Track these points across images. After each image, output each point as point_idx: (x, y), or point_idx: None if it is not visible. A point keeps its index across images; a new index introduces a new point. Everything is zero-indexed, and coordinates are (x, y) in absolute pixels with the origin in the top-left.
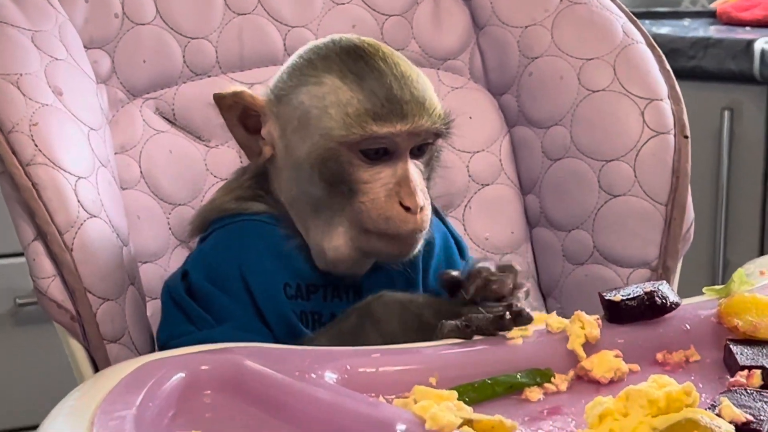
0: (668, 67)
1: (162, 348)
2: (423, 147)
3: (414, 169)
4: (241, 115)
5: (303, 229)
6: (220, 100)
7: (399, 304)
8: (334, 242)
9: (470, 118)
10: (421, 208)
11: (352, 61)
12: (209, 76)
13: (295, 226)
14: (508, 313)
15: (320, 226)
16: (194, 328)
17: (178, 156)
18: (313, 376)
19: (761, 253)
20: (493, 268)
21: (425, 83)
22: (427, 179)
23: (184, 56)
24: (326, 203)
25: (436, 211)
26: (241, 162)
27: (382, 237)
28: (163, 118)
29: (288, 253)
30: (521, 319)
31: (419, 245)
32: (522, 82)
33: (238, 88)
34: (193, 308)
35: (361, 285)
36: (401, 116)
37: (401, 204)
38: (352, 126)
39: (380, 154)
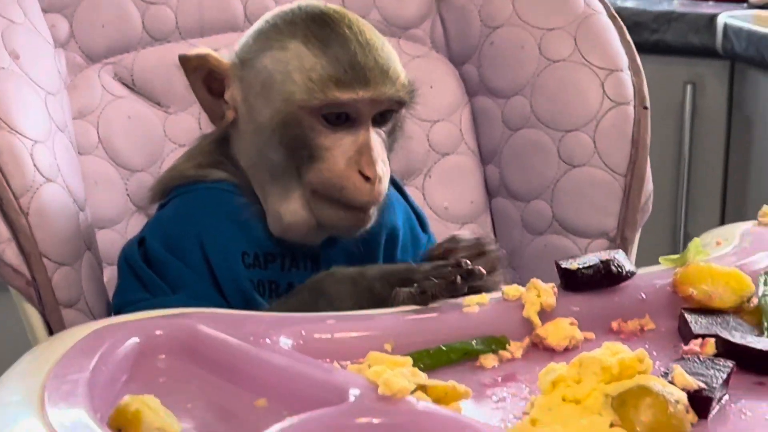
0: (629, 38)
1: (117, 314)
2: (386, 115)
3: (376, 137)
4: (205, 78)
5: (261, 195)
6: (185, 61)
7: (350, 281)
8: (290, 208)
9: (431, 87)
10: (380, 179)
11: (317, 26)
12: (169, 42)
13: (254, 194)
14: (459, 276)
15: (278, 192)
16: (149, 296)
17: (136, 122)
18: (268, 341)
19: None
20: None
21: (390, 51)
22: (389, 149)
23: (143, 21)
24: (285, 169)
25: (395, 184)
26: (201, 129)
27: (337, 206)
28: (122, 83)
29: (247, 222)
30: (473, 276)
31: (373, 219)
32: (483, 52)
33: (203, 50)
34: (149, 276)
35: (319, 256)
36: (364, 83)
37: (360, 173)
38: (314, 91)
39: (342, 120)
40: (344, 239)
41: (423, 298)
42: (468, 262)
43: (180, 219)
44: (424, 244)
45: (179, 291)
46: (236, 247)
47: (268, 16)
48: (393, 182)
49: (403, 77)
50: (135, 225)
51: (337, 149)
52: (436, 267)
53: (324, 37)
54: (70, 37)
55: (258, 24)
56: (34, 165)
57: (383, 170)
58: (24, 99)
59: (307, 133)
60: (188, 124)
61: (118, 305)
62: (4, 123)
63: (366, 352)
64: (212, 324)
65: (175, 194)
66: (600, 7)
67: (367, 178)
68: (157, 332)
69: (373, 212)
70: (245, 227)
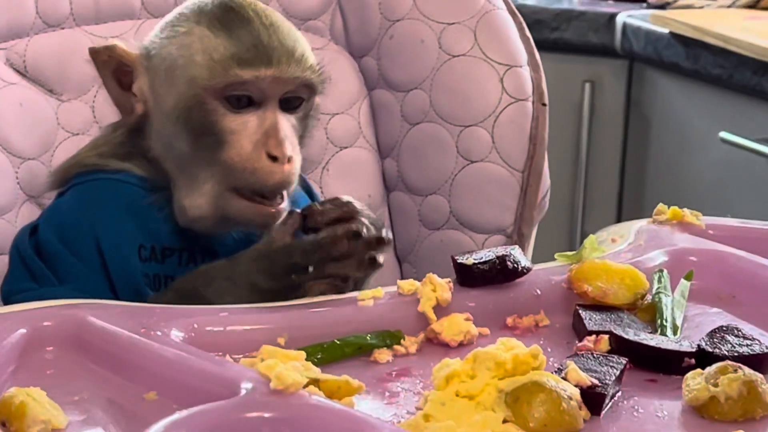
0: (528, 34)
1: (4, 302)
2: (295, 101)
3: (284, 121)
4: (115, 71)
5: (173, 184)
6: (94, 54)
7: (226, 279)
8: (196, 203)
9: (329, 79)
10: (289, 159)
11: (222, 12)
12: (63, 28)
13: (160, 186)
14: (369, 255)
15: (186, 185)
16: (36, 286)
17: (28, 109)
18: (159, 333)
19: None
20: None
21: (297, 36)
22: (301, 137)
23: (36, 6)
24: (193, 158)
25: (303, 181)
26: (95, 117)
27: (247, 198)
28: (14, 69)
29: (146, 214)
30: (383, 242)
31: (285, 212)
32: (383, 45)
33: (112, 42)
34: (37, 265)
35: (217, 250)
36: (267, 61)
37: (268, 155)
38: (215, 71)
39: (246, 103)
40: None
41: (344, 286)
42: (367, 227)
43: (76, 209)
44: None
45: (66, 283)
46: (132, 239)
47: (178, 7)
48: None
49: (312, 61)
50: (25, 214)
51: (243, 132)
52: (318, 243)
53: (228, 21)
54: None
55: (168, 15)
56: None
57: (293, 151)
58: None
59: (212, 118)
60: (82, 112)
61: (5, 294)
62: None
63: (259, 345)
64: (102, 315)
65: (74, 183)
66: (500, 2)
67: (275, 159)
68: (46, 323)
69: (285, 204)
70: (144, 220)
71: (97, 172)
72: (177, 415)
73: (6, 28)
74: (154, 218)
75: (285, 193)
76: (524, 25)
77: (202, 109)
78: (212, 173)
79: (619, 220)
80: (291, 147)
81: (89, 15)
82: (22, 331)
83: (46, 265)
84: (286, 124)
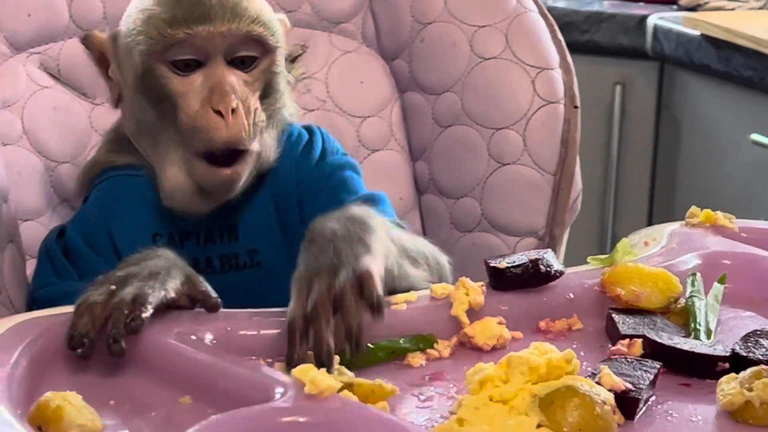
0: (560, 36)
1: (31, 298)
2: (247, 59)
3: (232, 76)
4: (99, 58)
5: (152, 164)
6: (85, 44)
7: None
8: (169, 172)
9: (361, 82)
10: (234, 112)
11: None
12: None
13: (151, 173)
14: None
15: (159, 156)
16: (58, 280)
17: (62, 113)
18: (193, 338)
19: (649, 225)
20: None
21: None
22: (265, 95)
23: (70, 11)
24: (160, 126)
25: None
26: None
27: (207, 165)
28: (48, 73)
29: (158, 203)
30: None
31: (244, 174)
32: (414, 48)
33: (89, 32)
34: (61, 261)
35: (237, 226)
36: (199, 18)
37: (214, 111)
38: (153, 36)
39: (192, 65)
40: (262, 206)
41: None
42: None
43: (91, 209)
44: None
45: (87, 278)
46: (145, 230)
47: None
48: (308, 129)
49: (254, 15)
50: (59, 217)
51: (190, 92)
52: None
53: None
54: None
55: None
56: None
57: (238, 103)
58: None
59: (161, 82)
60: (114, 115)
61: (32, 289)
62: None
63: None
64: None
65: (95, 184)
66: (532, 5)
67: (220, 114)
68: None
69: (245, 165)
70: (157, 209)
71: (110, 169)
72: (212, 419)
73: (40, 32)
74: (166, 206)
75: (245, 152)
76: (556, 27)
77: (152, 76)
78: (174, 140)
79: (649, 222)
80: (237, 100)
81: (122, 17)
82: (57, 335)
83: (71, 263)
84: (234, 79)
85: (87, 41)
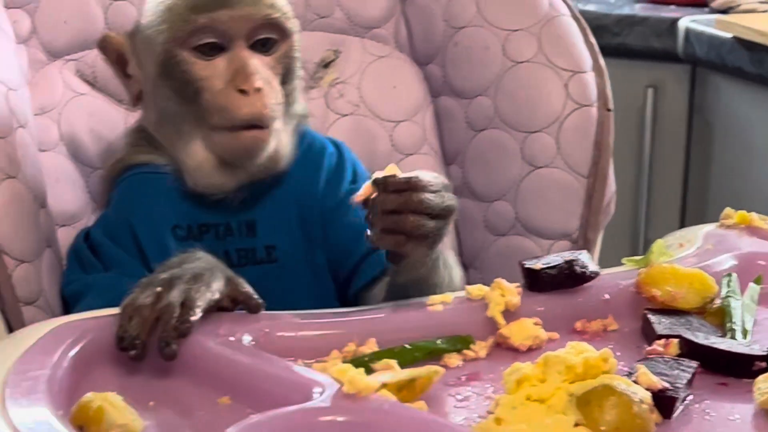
0: (592, 40)
1: (61, 298)
2: (267, 42)
3: (254, 59)
4: (117, 61)
5: (174, 153)
6: (100, 49)
7: None
8: (191, 152)
9: (394, 87)
10: (259, 90)
11: None
12: None
13: (173, 165)
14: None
15: (181, 143)
16: (85, 275)
17: (98, 119)
18: (231, 339)
19: (682, 228)
20: None
21: None
22: (285, 75)
23: (106, 17)
24: (182, 113)
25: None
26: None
27: (229, 132)
28: (84, 80)
29: (177, 197)
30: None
31: (269, 143)
32: (447, 53)
33: (105, 33)
34: (87, 256)
35: (254, 220)
36: (221, 3)
37: (238, 90)
38: (176, 23)
39: (215, 49)
40: (280, 199)
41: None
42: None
43: (114, 207)
44: (345, 191)
45: (111, 270)
46: (165, 222)
47: None
48: (336, 145)
49: (273, 1)
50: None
51: (215, 76)
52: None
53: None
54: (32, 34)
55: None
56: None
57: (263, 83)
58: None
59: (184, 68)
60: None
61: (62, 285)
62: None
63: (329, 350)
64: None
65: (117, 185)
66: (564, 8)
67: (245, 92)
68: None
69: (268, 134)
70: (176, 202)
71: (131, 167)
72: (252, 419)
73: (76, 39)
74: (187, 199)
75: (268, 126)
76: (588, 30)
77: (175, 63)
78: (197, 122)
79: (682, 224)
80: (261, 80)
81: None
82: (96, 337)
83: (96, 258)
84: (257, 62)
85: (103, 44)
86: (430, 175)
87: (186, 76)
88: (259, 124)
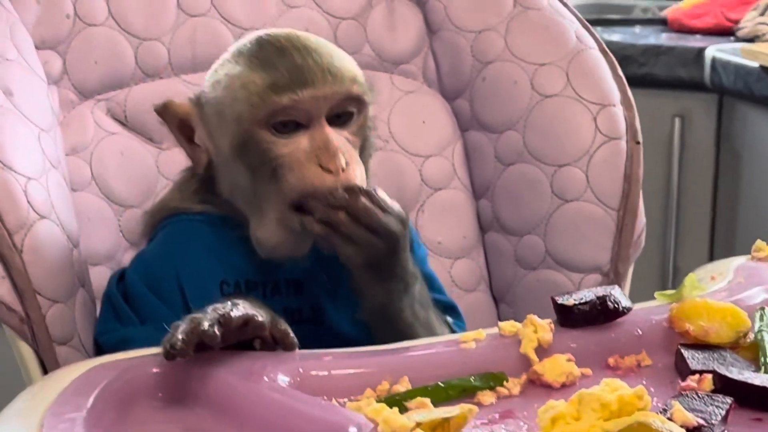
0: (621, 73)
1: (95, 343)
2: (344, 117)
3: (336, 135)
4: (179, 125)
5: (248, 221)
6: (160, 112)
7: None
8: (268, 228)
9: (423, 122)
10: (343, 169)
11: (258, 47)
12: (161, 78)
13: (237, 223)
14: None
15: (256, 218)
16: (120, 326)
17: (129, 158)
18: (266, 378)
19: (711, 259)
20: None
21: (333, 52)
22: (362, 147)
23: (136, 57)
24: (259, 189)
25: None
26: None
27: (309, 207)
28: (115, 119)
29: (227, 251)
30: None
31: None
32: (475, 87)
33: (169, 99)
34: (122, 306)
35: (301, 281)
36: (303, 83)
37: (323, 168)
38: (256, 103)
39: (294, 127)
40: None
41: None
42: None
43: (159, 251)
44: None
45: (149, 323)
46: (213, 276)
47: (224, 53)
48: None
49: (352, 74)
50: (128, 261)
51: (296, 153)
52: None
53: (262, 54)
54: (63, 74)
55: (214, 64)
56: (28, 202)
57: (347, 160)
58: (17, 136)
59: (264, 147)
60: (181, 160)
61: (95, 334)
62: None
63: (363, 389)
64: (208, 362)
65: (160, 227)
66: (592, 42)
67: (330, 171)
68: (153, 370)
69: None
70: (225, 256)
71: (179, 214)
72: None
73: (107, 79)
74: (236, 254)
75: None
76: (616, 64)
77: (253, 142)
78: (276, 199)
79: (711, 254)
80: (345, 158)
81: (186, 64)
82: (130, 378)
83: (130, 307)
84: (338, 137)
85: (164, 110)
86: (390, 200)
87: (265, 154)
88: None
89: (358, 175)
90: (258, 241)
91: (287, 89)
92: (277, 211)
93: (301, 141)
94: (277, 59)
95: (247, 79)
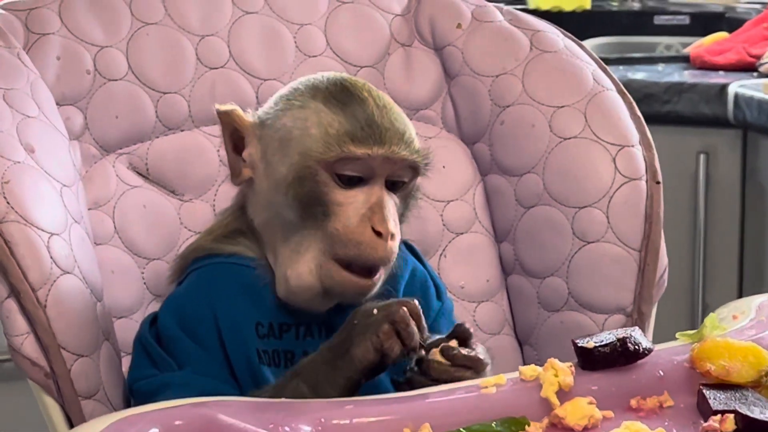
0: (638, 113)
1: (130, 390)
2: (399, 183)
3: (389, 199)
4: (231, 134)
5: (273, 257)
6: (219, 115)
7: (328, 367)
8: (298, 271)
9: (443, 167)
10: (392, 236)
11: (338, 89)
12: (182, 131)
13: (265, 264)
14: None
15: (289, 252)
16: (157, 372)
17: (152, 210)
18: (288, 429)
19: (740, 295)
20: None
21: (406, 120)
22: (401, 215)
23: (156, 111)
24: (299, 226)
25: (412, 250)
26: (215, 215)
27: (347, 269)
28: (137, 173)
29: (261, 293)
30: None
31: (378, 285)
32: (494, 131)
33: (231, 106)
34: (157, 352)
35: (333, 323)
36: (379, 141)
37: (373, 229)
38: (330, 145)
39: (356, 181)
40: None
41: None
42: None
43: (193, 293)
44: (435, 311)
45: (185, 367)
46: (249, 318)
47: (292, 83)
48: (410, 249)
49: (417, 143)
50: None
51: (351, 205)
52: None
53: (343, 98)
54: (84, 129)
55: (282, 89)
56: (51, 257)
57: (395, 229)
58: (40, 192)
59: (322, 189)
60: (204, 211)
61: (130, 382)
62: (21, 216)
63: None
64: (232, 412)
65: (191, 269)
66: (609, 83)
67: (379, 234)
68: (177, 422)
69: (380, 278)
70: (259, 298)
71: (212, 256)
72: None
73: (128, 133)
74: (268, 296)
75: (383, 269)
76: (634, 104)
77: (313, 180)
78: (317, 243)
79: (740, 290)
80: (394, 224)
81: (207, 116)
82: (155, 430)
83: (165, 351)
84: (391, 203)
85: (224, 115)
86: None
87: (321, 197)
88: (382, 266)
89: (397, 245)
90: (284, 278)
91: (364, 143)
92: (316, 256)
93: (359, 195)
94: (358, 109)
95: (326, 119)
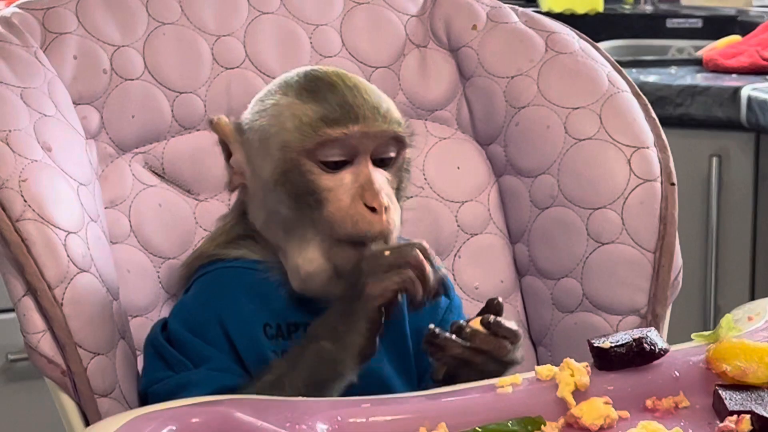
0: (654, 115)
1: (144, 395)
2: (387, 160)
3: (378, 174)
4: (221, 143)
5: (282, 254)
6: (210, 126)
7: (345, 316)
8: (307, 257)
9: (458, 168)
10: (386, 208)
11: (307, 81)
12: (198, 130)
13: (273, 264)
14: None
15: (294, 246)
16: (172, 373)
17: (167, 210)
18: (304, 427)
19: (752, 298)
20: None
21: (380, 94)
22: (398, 189)
23: (172, 110)
24: (296, 220)
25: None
26: (215, 221)
27: (353, 246)
28: (153, 172)
29: (268, 294)
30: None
31: None
32: (509, 132)
33: (217, 116)
34: (171, 354)
35: None
36: (354, 118)
37: (366, 205)
38: (306, 133)
39: (340, 164)
40: None
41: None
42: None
43: (199, 299)
44: (443, 309)
45: (201, 365)
46: (257, 320)
47: (267, 85)
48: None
49: (397, 116)
50: (167, 312)
51: (340, 188)
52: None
53: (313, 87)
54: (100, 128)
55: (258, 93)
56: (68, 256)
57: (388, 201)
58: (57, 190)
59: (309, 178)
60: (219, 211)
61: (144, 386)
62: (38, 215)
63: None
64: (248, 411)
65: (197, 276)
66: (624, 85)
67: (373, 209)
68: (193, 420)
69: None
70: (266, 300)
71: (217, 261)
72: None
73: (144, 133)
74: (276, 297)
75: (388, 242)
76: (649, 106)
77: (298, 172)
78: (317, 230)
79: (752, 294)
80: (387, 198)
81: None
82: (172, 428)
83: (180, 354)
84: (382, 179)
85: (213, 126)
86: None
87: (309, 186)
88: (383, 239)
89: (395, 215)
90: (295, 269)
91: (339, 123)
92: (320, 242)
93: (345, 177)
94: (329, 94)
95: (298, 110)
